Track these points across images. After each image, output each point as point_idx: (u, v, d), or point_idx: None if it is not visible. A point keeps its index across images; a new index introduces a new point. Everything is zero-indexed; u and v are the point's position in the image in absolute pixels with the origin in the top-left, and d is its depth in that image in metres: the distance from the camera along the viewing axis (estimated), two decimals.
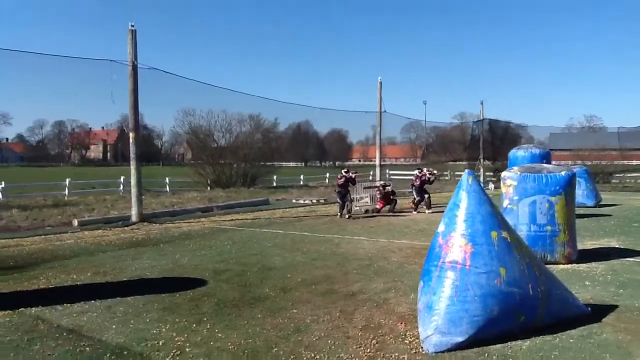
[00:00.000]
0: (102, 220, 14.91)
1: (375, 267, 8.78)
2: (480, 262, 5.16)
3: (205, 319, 5.96)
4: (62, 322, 5.88)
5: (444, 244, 5.40)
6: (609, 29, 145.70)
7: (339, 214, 16.46)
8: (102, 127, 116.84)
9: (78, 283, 7.82)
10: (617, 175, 33.06)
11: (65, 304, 6.57)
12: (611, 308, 6.10)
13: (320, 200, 22.23)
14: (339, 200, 16.62)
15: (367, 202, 18.56)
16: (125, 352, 4.95)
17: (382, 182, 19.87)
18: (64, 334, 5.50)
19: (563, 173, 8.74)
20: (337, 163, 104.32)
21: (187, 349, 5.02)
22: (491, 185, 29.92)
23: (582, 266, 8.49)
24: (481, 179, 30.25)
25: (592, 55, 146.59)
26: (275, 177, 33.81)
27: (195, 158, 29.76)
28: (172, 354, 4.90)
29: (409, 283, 7.56)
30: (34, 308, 6.42)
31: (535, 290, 5.26)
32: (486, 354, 4.82)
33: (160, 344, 5.18)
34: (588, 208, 18.27)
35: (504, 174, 9.15)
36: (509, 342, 5.05)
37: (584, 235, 11.28)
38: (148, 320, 5.95)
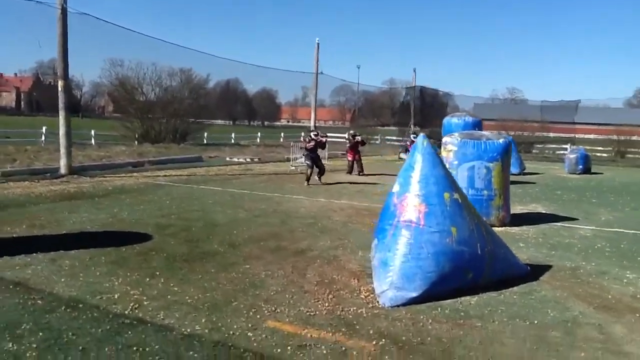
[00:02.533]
0: (27, 171, 14.17)
1: (320, 225, 8.94)
2: (433, 221, 5.39)
3: (157, 273, 5.90)
4: (4, 276, 5.64)
5: (398, 203, 5.59)
6: (535, 5, 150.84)
7: (309, 182, 14.54)
8: (15, 74, 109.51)
9: (14, 235, 7.48)
10: (538, 145, 34.87)
11: (4, 257, 6.29)
12: (546, 268, 6.57)
13: (255, 159, 22.13)
14: (308, 165, 14.89)
15: (302, 162, 18.68)
16: (80, 305, 4.84)
17: (351, 132, 18.66)
18: (10, 287, 5.29)
19: (501, 140, 9.16)
20: (265, 123, 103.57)
21: (145, 302, 4.98)
22: None
23: (515, 229, 9.03)
24: (408, 143, 31.04)
25: (517, 31, 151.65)
26: (205, 134, 33.18)
27: (122, 111, 28.60)
28: (130, 307, 4.84)
29: (355, 241, 7.78)
30: None
31: (482, 249, 5.58)
32: (439, 308, 5.09)
33: (116, 297, 5.10)
34: (514, 175, 19.18)
35: (445, 139, 9.47)
36: (459, 298, 5.36)
37: (514, 201, 11.88)
38: (98, 274, 5.82)
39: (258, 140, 37.52)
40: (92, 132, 26.63)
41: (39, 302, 4.92)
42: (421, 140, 5.73)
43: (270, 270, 6.20)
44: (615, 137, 33.13)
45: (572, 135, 36.95)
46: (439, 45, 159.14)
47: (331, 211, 10.37)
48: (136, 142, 27.58)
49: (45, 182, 13.05)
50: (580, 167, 21.30)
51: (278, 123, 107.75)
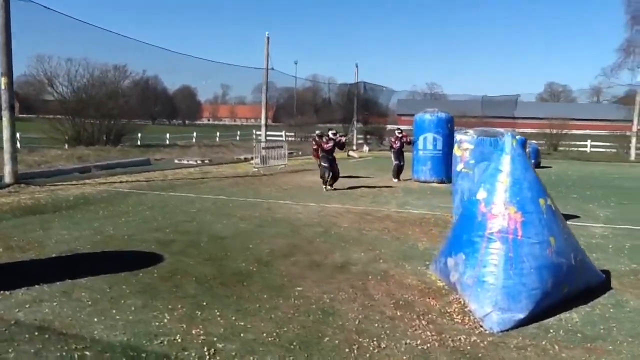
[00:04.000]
0: None
1: (334, 234, 8.21)
2: (532, 231, 4.83)
3: (204, 304, 4.98)
4: (18, 318, 4.54)
5: (487, 212, 4.98)
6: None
7: (327, 185, 13.30)
8: None
9: None
10: None
11: (0, 292, 5.14)
12: (604, 273, 6.13)
13: (205, 161, 20.92)
14: (325, 168, 13.24)
15: (258, 164, 17.86)
16: (144, 355, 3.88)
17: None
18: (35, 333, 4.22)
19: (518, 137, 8.76)
20: (186, 122, 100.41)
21: (219, 345, 4.09)
22: (365, 148, 30.57)
23: None
24: (354, 141, 30.70)
25: (435, 27, 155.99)
26: (139, 135, 31.28)
27: (53, 112, 26.18)
28: (207, 354, 3.93)
29: (388, 252, 7.15)
30: None
31: (575, 259, 5.10)
32: (551, 330, 4.53)
33: (179, 340, 4.16)
34: None
35: (459, 137, 8.96)
36: (558, 315, 4.84)
37: None
38: (133, 308, 4.82)
39: (194, 140, 35.96)
40: (18, 134, 24.24)
41: (87, 352, 3.91)
42: (510, 140, 5.13)
43: (329, 292, 5.43)
44: (548, 130, 34.35)
45: (513, 129, 38.00)
46: (358, 40, 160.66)
47: (331, 217, 9.63)
48: (66, 145, 25.41)
49: None
50: (533, 161, 21.68)
51: (199, 122, 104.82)
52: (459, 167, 8.88)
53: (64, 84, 25.49)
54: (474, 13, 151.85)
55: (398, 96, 71.29)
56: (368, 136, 33.25)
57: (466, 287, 4.88)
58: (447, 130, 15.35)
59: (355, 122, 30.87)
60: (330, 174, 13.22)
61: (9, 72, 12.18)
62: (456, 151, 8.97)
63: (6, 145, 12.43)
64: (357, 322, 4.62)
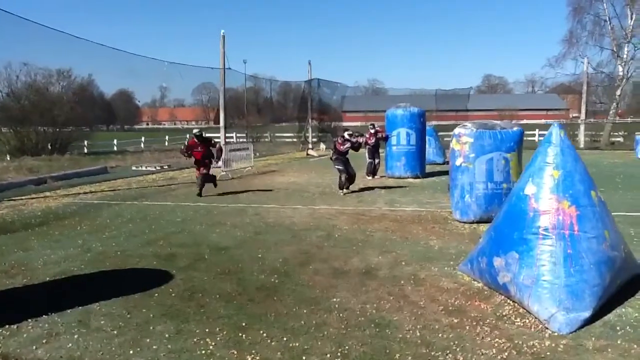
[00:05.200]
0: None
1: (338, 237, 7.85)
2: (587, 225, 4.63)
3: (244, 325, 4.53)
4: (39, 356, 3.96)
5: (539, 207, 4.74)
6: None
7: (343, 189, 12.40)
8: None
9: None
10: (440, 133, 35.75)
11: (5, 326, 4.54)
12: None
13: (164, 167, 20.08)
14: (340, 170, 12.32)
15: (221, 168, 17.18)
16: None
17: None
18: None
19: (515, 129, 8.69)
20: (125, 127, 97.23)
21: None
22: (322, 146, 30.27)
23: None
24: (309, 139, 30.37)
25: (373, 21, 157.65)
26: (86, 142, 29.90)
27: None
28: None
29: (407, 253, 6.86)
30: None
31: (624, 252, 4.93)
32: (617, 327, 4.35)
33: None
34: (439, 165, 19.20)
35: (458, 130, 8.77)
36: (615, 311, 4.67)
37: None
38: (167, 336, 4.32)
39: (142, 146, 34.69)
40: None
41: None
42: (557, 132, 4.90)
43: (370, 301, 5.08)
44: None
45: (466, 122, 38.44)
46: (301, 37, 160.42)
47: (326, 219, 9.26)
48: (8, 156, 23.90)
49: None
50: None
51: (138, 126, 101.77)
52: (458, 161, 8.70)
53: (3, 91, 23.94)
54: (411, 8, 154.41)
55: (341, 93, 71.65)
56: (321, 134, 32.92)
57: (524, 287, 4.62)
58: (420, 125, 15.23)
59: (310, 121, 30.48)
60: (346, 176, 12.31)
61: None
62: (454, 145, 8.79)
63: None
64: (418, 334, 4.29)
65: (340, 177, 12.35)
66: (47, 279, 5.96)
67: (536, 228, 4.68)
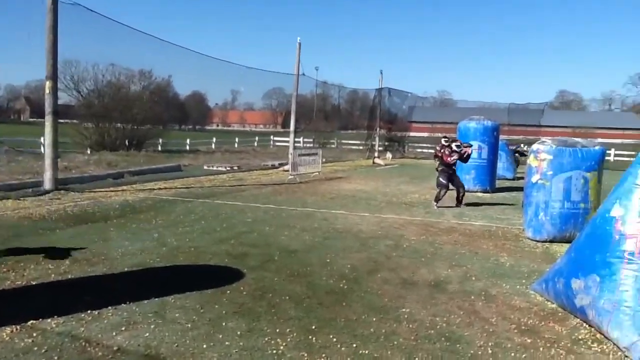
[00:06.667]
0: (4, 187, 12.07)
1: (407, 248, 7.79)
2: None
3: (313, 328, 4.58)
4: (119, 342, 4.13)
5: (625, 231, 4.53)
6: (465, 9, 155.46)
7: (437, 203, 11.71)
8: None
9: (70, 276, 5.84)
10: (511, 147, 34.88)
11: (88, 311, 4.75)
12: None
13: (234, 167, 20.55)
14: (442, 184, 11.69)
15: (290, 172, 17.40)
16: None
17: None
18: None
19: (597, 148, 8.37)
20: (197, 127, 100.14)
21: None
22: (389, 155, 30.13)
23: None
24: (376, 147, 30.24)
25: (449, 34, 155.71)
26: (160, 140, 30.96)
27: (79, 117, 25.88)
28: None
29: (477, 268, 6.74)
30: (46, 320, 4.52)
31: None
32: None
33: None
34: (508, 181, 18.72)
35: (537, 146, 8.53)
36: None
37: None
38: (239, 333, 4.41)
39: (213, 146, 35.60)
40: (42, 139, 23.96)
41: None
42: None
43: (439, 314, 5.02)
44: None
45: (538, 137, 37.39)
46: (370, 46, 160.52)
47: (394, 229, 9.21)
48: (88, 150, 25.11)
49: (33, 199, 11.10)
50: None
51: (208, 127, 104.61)
52: (535, 178, 8.46)
53: (90, 88, 25.18)
54: (484, 21, 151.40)
55: (410, 102, 71.06)
56: (387, 143, 32.71)
57: (604, 312, 4.44)
58: (493, 139, 14.91)
59: (377, 129, 30.37)
60: (446, 192, 11.70)
61: (54, 76, 11.81)
62: (532, 161, 8.55)
63: (48, 151, 12.07)
64: (490, 351, 4.20)
65: (439, 191, 11.75)
66: (126, 269, 6.22)
67: (621, 252, 4.49)
